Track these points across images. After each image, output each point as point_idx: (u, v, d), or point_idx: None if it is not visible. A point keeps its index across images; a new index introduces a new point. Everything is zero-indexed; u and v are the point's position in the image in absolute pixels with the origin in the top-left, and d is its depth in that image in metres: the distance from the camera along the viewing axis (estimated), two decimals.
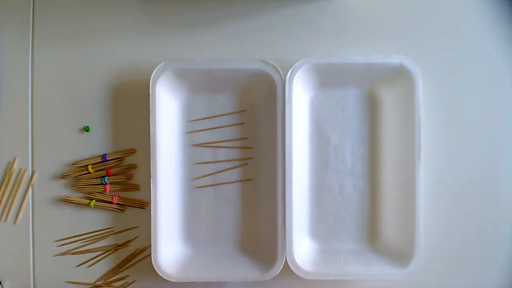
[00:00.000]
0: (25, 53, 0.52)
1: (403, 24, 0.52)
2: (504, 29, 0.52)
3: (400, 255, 0.49)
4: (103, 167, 0.51)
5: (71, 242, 0.52)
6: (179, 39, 0.52)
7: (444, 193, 0.52)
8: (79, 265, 0.52)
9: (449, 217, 0.52)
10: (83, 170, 0.51)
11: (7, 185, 0.52)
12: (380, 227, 0.52)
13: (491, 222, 0.52)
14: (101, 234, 0.52)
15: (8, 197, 0.52)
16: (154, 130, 0.48)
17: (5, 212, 0.52)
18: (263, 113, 0.51)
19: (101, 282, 0.51)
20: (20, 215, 0.52)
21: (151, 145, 0.48)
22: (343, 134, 0.51)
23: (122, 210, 0.52)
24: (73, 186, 0.52)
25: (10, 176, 0.51)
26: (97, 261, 0.52)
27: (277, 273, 0.48)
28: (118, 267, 0.52)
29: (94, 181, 0.52)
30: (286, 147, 0.48)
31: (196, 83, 0.50)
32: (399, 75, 0.49)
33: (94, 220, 0.52)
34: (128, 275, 0.52)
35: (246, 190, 0.52)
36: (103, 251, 0.52)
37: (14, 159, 0.52)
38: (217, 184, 0.51)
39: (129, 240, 0.52)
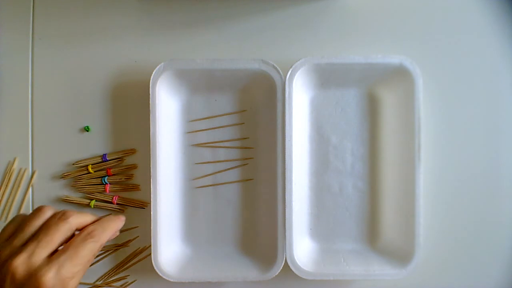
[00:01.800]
0: (25, 53, 0.52)
1: (403, 24, 0.52)
2: (504, 29, 0.52)
3: (400, 255, 0.49)
4: (103, 167, 0.51)
5: None
6: (179, 39, 0.52)
7: (444, 193, 0.52)
8: None
9: (449, 217, 0.52)
10: (83, 170, 0.51)
11: (7, 185, 0.52)
12: (380, 227, 0.52)
13: (492, 222, 0.52)
14: None
15: (8, 197, 0.52)
16: (154, 130, 0.48)
17: (5, 212, 0.52)
18: (263, 113, 0.51)
19: (101, 282, 0.51)
20: None
21: (151, 145, 0.48)
22: (343, 134, 0.51)
23: (122, 210, 0.52)
24: (73, 186, 0.52)
25: (10, 176, 0.51)
26: (97, 261, 0.52)
27: (277, 273, 0.48)
28: (118, 267, 0.52)
29: (94, 181, 0.52)
30: (286, 147, 0.48)
31: (196, 83, 0.50)
32: (399, 75, 0.49)
33: None
34: (128, 275, 0.52)
35: (246, 190, 0.52)
36: (103, 251, 0.52)
37: (14, 159, 0.52)
38: (217, 184, 0.51)
39: (129, 240, 0.52)
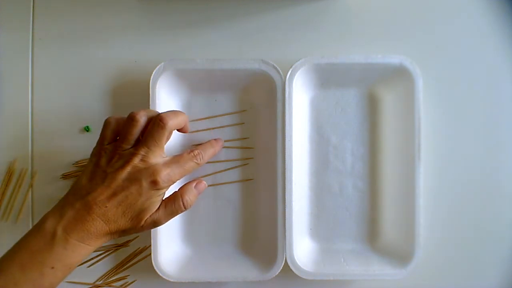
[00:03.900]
0: (25, 53, 0.52)
1: (403, 24, 0.52)
2: (504, 29, 0.52)
3: (400, 255, 0.49)
4: None
5: None
6: (179, 39, 0.52)
7: (444, 193, 0.52)
8: (79, 265, 0.52)
9: (449, 217, 0.52)
10: None
11: (7, 185, 0.52)
12: (380, 227, 0.52)
13: (492, 222, 0.52)
14: None
15: (9, 198, 0.52)
16: None
17: (6, 212, 0.52)
18: (263, 113, 0.51)
19: (101, 282, 0.52)
20: (21, 215, 0.52)
21: None
22: (343, 134, 0.51)
23: None
24: None
25: (10, 176, 0.51)
26: (97, 261, 0.52)
27: (277, 273, 0.48)
28: (118, 267, 0.52)
29: None
30: (286, 147, 0.48)
31: (196, 83, 0.50)
32: (399, 75, 0.49)
33: None
34: (128, 275, 0.52)
35: (246, 190, 0.52)
36: (103, 251, 0.52)
37: (15, 160, 0.52)
38: (217, 184, 0.51)
39: (129, 240, 0.52)
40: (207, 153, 0.46)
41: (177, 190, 0.45)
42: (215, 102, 0.51)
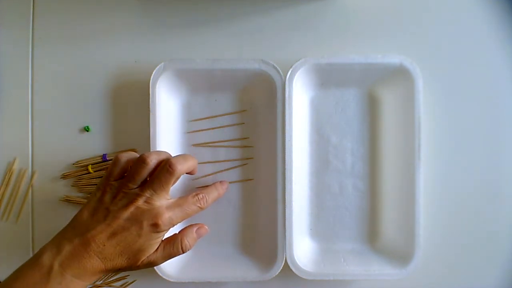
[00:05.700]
0: (25, 53, 0.52)
1: (403, 24, 0.52)
2: (505, 29, 0.52)
3: (400, 255, 0.49)
4: (103, 167, 0.51)
5: None
6: (179, 39, 0.52)
7: (445, 193, 0.52)
8: None
9: (450, 217, 0.52)
10: (83, 170, 0.51)
11: (7, 185, 0.52)
12: (380, 227, 0.52)
13: (492, 222, 0.52)
14: None
15: (9, 197, 0.52)
16: (154, 130, 0.48)
17: (6, 212, 0.52)
18: (263, 113, 0.51)
19: (101, 282, 0.52)
20: (21, 215, 0.52)
21: (151, 145, 0.48)
22: (343, 134, 0.51)
23: None
24: (73, 186, 0.52)
25: (10, 176, 0.51)
26: None
27: (277, 273, 0.48)
28: None
29: (94, 181, 0.52)
30: (286, 147, 0.48)
31: (196, 83, 0.50)
32: (399, 75, 0.49)
33: None
34: (128, 275, 0.52)
35: (246, 190, 0.52)
36: None
37: (14, 159, 0.52)
38: None
39: None
40: (211, 197, 0.46)
41: (177, 232, 0.45)
42: (215, 102, 0.51)
